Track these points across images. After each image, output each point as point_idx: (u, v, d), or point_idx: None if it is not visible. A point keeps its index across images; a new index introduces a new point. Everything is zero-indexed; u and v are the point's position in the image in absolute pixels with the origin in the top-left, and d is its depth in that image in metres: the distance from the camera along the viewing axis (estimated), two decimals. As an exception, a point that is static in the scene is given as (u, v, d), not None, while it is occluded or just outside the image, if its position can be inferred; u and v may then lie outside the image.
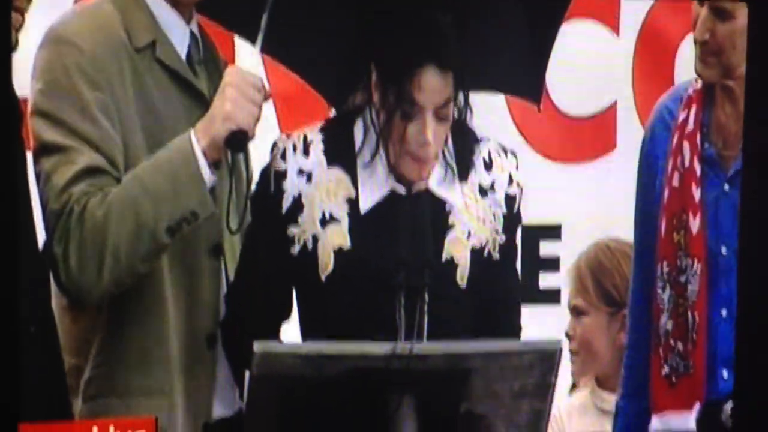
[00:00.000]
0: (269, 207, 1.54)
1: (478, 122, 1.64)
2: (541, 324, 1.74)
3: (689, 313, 1.74)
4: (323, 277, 1.55)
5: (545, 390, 1.76)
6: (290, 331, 1.62)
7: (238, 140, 1.49)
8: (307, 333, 1.61)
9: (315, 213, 1.54)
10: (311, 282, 1.56)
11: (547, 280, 1.75)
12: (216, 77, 1.56)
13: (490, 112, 1.72)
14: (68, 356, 1.48)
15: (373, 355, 1.65)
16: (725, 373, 1.75)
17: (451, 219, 1.61)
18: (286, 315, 1.58)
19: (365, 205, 1.56)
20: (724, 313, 1.75)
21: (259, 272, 1.57)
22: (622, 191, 1.79)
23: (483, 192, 1.62)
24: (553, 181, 1.76)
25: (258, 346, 1.60)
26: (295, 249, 1.54)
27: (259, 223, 1.56)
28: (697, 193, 1.74)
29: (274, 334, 1.58)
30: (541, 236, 1.75)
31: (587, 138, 1.79)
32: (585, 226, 1.77)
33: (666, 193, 1.74)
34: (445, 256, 1.60)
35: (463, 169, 1.62)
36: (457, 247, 1.60)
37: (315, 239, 1.55)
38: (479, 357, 1.72)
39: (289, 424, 1.63)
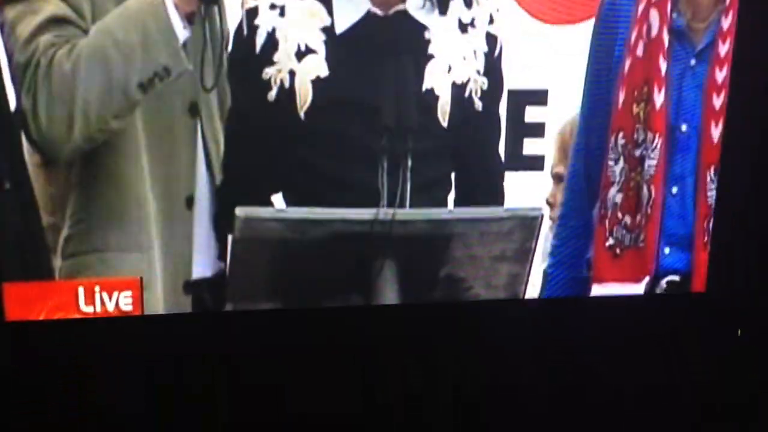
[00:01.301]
0: (245, 51, 1.48)
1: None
2: (523, 190, 1.72)
3: (644, 188, 1.73)
4: (302, 114, 1.52)
5: (524, 255, 1.78)
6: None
7: None
8: (290, 187, 1.58)
9: (290, 47, 1.49)
10: (291, 121, 1.52)
11: (531, 146, 1.71)
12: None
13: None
14: (45, 214, 1.46)
15: (356, 220, 1.66)
16: (667, 249, 1.77)
17: (431, 48, 1.57)
18: (272, 184, 1.56)
19: (341, 27, 1.51)
20: (674, 190, 1.74)
21: (244, 134, 1.53)
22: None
23: (463, 27, 1.58)
24: (542, 43, 1.67)
25: (240, 211, 1.59)
26: (273, 92, 1.50)
27: (238, 77, 1.50)
28: (663, 65, 1.67)
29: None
30: (527, 101, 1.69)
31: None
32: (572, 93, 1.71)
33: (628, 62, 1.67)
34: (425, 86, 1.57)
35: (443, 2, 1.56)
36: (438, 79, 1.57)
37: (292, 74, 1.50)
38: (460, 223, 1.72)
39: (272, 286, 1.64)
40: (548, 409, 1.81)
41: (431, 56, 1.58)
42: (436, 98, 1.59)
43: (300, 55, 1.51)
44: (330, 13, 1.52)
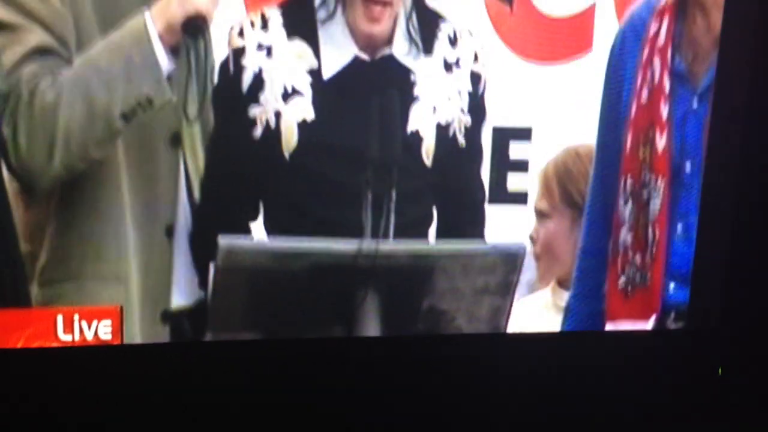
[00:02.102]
0: (231, 88, 1.48)
1: (450, 16, 1.58)
2: (507, 225, 1.72)
3: (650, 228, 1.74)
4: (287, 155, 1.52)
5: (507, 289, 1.77)
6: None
7: (196, 24, 1.42)
8: (272, 222, 1.57)
9: (276, 88, 1.49)
10: (275, 161, 1.51)
11: (515, 182, 1.72)
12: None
13: (465, 6, 1.64)
14: (23, 242, 1.44)
15: (339, 252, 1.65)
16: (672, 286, 1.77)
17: (416, 91, 1.57)
18: (254, 215, 1.56)
19: (328, 72, 1.51)
20: (679, 228, 1.76)
21: (226, 166, 1.52)
22: (596, 95, 1.73)
23: (448, 67, 1.59)
24: (527, 81, 1.69)
25: (223, 241, 1.58)
26: (258, 131, 1.49)
27: (222, 111, 1.49)
28: (665, 110, 1.69)
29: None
30: (511, 137, 1.70)
31: (563, 38, 1.71)
32: (556, 130, 1.72)
33: (634, 107, 1.69)
34: (410, 128, 1.57)
35: (428, 43, 1.57)
36: (423, 121, 1.57)
37: (277, 115, 1.50)
38: (443, 256, 1.72)
39: (253, 316, 1.63)
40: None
41: (416, 98, 1.58)
42: (421, 140, 1.59)
43: (286, 96, 1.51)
44: (317, 55, 1.52)
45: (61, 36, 1.40)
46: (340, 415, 1.68)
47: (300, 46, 1.51)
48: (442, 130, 1.60)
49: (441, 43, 1.59)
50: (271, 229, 1.57)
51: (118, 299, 1.51)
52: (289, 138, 1.51)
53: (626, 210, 1.72)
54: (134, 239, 1.49)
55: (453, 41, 1.60)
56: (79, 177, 1.46)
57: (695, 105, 1.71)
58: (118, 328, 1.52)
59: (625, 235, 1.73)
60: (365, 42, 1.55)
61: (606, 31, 1.70)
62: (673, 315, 1.79)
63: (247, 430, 1.65)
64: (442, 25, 1.60)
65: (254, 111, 1.50)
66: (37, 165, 1.42)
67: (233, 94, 1.49)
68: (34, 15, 1.38)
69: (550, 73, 1.69)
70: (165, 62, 1.43)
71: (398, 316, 1.67)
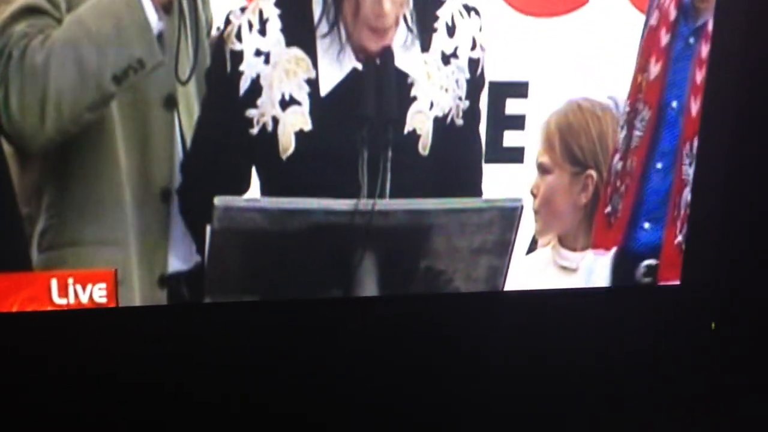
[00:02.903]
0: (226, 88, 1.46)
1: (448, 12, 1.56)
2: (503, 182, 1.69)
3: (629, 158, 1.71)
4: (284, 158, 1.50)
5: (504, 247, 1.75)
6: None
7: None
8: (268, 185, 1.54)
9: (274, 95, 1.47)
10: (272, 161, 1.50)
11: (511, 139, 1.68)
12: None
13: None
14: (21, 204, 1.41)
15: (335, 210, 1.62)
16: (647, 224, 1.75)
17: (414, 91, 1.56)
18: (245, 187, 1.53)
19: (326, 87, 1.50)
20: (659, 165, 1.73)
21: (217, 147, 1.50)
22: (593, 48, 1.69)
23: (446, 60, 1.57)
24: (523, 36, 1.65)
25: (218, 200, 1.55)
26: (255, 130, 1.48)
27: (216, 102, 1.47)
28: (665, 39, 1.64)
29: None
30: (508, 94, 1.67)
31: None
32: (553, 84, 1.68)
33: (645, 29, 1.66)
34: (407, 128, 1.57)
35: (426, 36, 1.56)
36: (420, 119, 1.57)
37: (275, 121, 1.48)
38: (440, 213, 1.69)
39: (251, 277, 1.61)
40: (523, 401, 1.80)
41: (414, 98, 1.57)
42: (417, 137, 1.58)
43: (284, 104, 1.49)
44: (315, 66, 1.49)
45: None
46: (340, 374, 1.67)
47: (298, 54, 1.48)
48: (439, 122, 1.59)
49: (439, 35, 1.57)
50: (267, 192, 1.55)
51: (116, 263, 1.49)
52: (287, 145, 1.50)
53: (620, 136, 1.69)
54: (130, 203, 1.47)
55: (451, 30, 1.58)
56: (74, 140, 1.42)
57: (691, 40, 1.67)
58: (113, 291, 1.50)
59: (617, 162, 1.70)
60: (366, 55, 1.52)
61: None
62: (644, 267, 1.77)
63: (247, 392, 1.64)
64: (439, 11, 1.56)
65: (252, 112, 1.48)
66: (29, 127, 1.39)
67: (230, 95, 1.47)
68: None
69: (548, 27, 1.65)
70: (156, 22, 1.39)
71: (396, 276, 1.66)
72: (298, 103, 1.49)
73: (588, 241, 1.76)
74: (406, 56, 1.55)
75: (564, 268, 1.76)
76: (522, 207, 1.68)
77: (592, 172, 1.73)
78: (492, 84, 1.64)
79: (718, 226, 1.79)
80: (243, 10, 1.46)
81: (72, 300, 1.49)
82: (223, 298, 1.57)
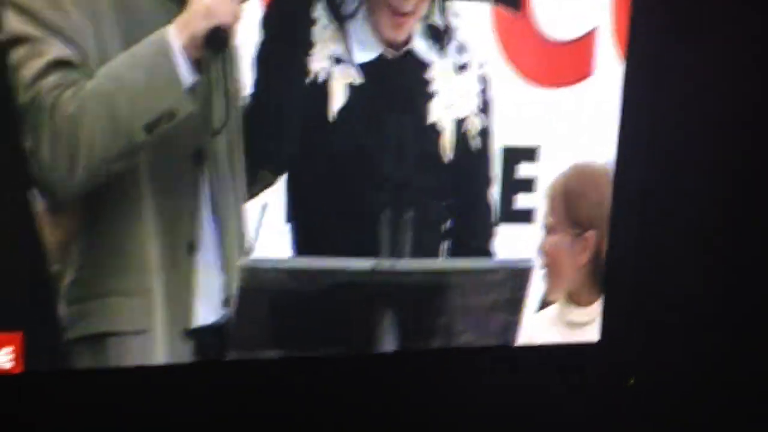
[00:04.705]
0: (284, 36, 1.49)
1: (459, 30, 1.63)
2: (514, 242, 1.74)
3: None
4: (332, 115, 1.53)
5: (516, 304, 1.79)
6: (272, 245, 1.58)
7: (219, 38, 1.37)
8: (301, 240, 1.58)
9: (325, 50, 1.51)
10: (319, 119, 1.53)
11: (521, 201, 1.75)
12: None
13: (475, 26, 1.68)
14: (51, 262, 1.39)
15: (357, 270, 1.64)
16: None
17: (434, 87, 1.61)
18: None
19: (359, 60, 1.56)
20: None
21: (271, 100, 1.50)
22: (599, 117, 1.78)
23: (459, 69, 1.63)
24: (533, 104, 1.73)
25: (244, 261, 1.56)
26: (307, 80, 1.50)
27: (271, 48, 1.48)
28: None
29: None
30: (519, 158, 1.74)
31: (566, 63, 1.75)
32: (558, 149, 1.76)
33: None
34: (429, 120, 1.60)
35: (440, 47, 1.62)
36: (440, 114, 1.61)
37: (327, 73, 1.52)
38: (456, 273, 1.73)
39: (275, 333, 1.60)
40: None
41: (434, 93, 1.61)
42: (439, 132, 1.61)
43: (334, 60, 1.53)
44: (347, 45, 1.55)
45: (82, 49, 1.35)
46: (360, 429, 1.67)
47: (335, 32, 1.53)
48: (459, 126, 1.63)
49: (451, 50, 1.64)
50: (297, 247, 1.58)
51: (142, 316, 1.44)
52: (336, 96, 1.52)
53: None
54: (156, 255, 1.43)
55: (462, 48, 1.65)
56: (103, 193, 1.40)
57: None
58: (21, 355, 1.42)
59: None
60: (388, 44, 1.58)
61: (606, 57, 1.76)
62: None
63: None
64: (451, 34, 1.64)
65: (305, 62, 1.51)
66: (60, 178, 1.35)
67: (285, 43, 1.50)
68: (53, 27, 1.33)
69: (554, 96, 1.73)
70: (187, 76, 1.38)
71: (413, 333, 1.68)
72: (346, 63, 1.54)
73: (594, 296, 1.82)
74: (427, 55, 1.61)
75: (573, 323, 1.81)
76: (532, 267, 1.73)
77: (592, 233, 1.80)
78: (504, 149, 1.70)
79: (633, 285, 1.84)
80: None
81: None
82: (247, 354, 1.56)
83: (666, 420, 1.87)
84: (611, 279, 1.78)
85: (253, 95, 1.51)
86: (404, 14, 1.57)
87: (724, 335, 1.89)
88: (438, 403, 1.74)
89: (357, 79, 1.54)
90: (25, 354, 1.41)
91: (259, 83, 1.51)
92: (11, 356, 1.41)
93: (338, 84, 1.55)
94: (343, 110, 1.55)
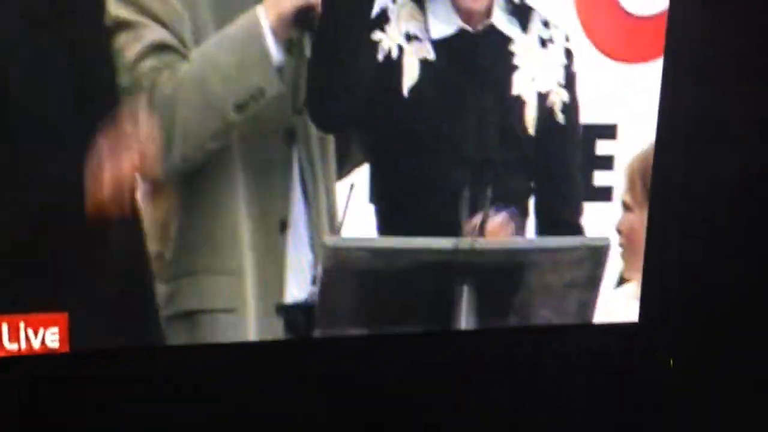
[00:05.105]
0: (355, 11, 1.48)
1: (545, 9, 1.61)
2: (593, 220, 1.73)
3: None
4: (406, 90, 1.53)
5: (594, 282, 1.78)
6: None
7: (307, 16, 1.41)
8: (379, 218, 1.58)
9: (400, 27, 1.51)
10: (394, 96, 1.52)
11: (600, 178, 1.73)
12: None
13: (556, 3, 1.65)
14: (152, 242, 1.43)
15: (438, 249, 1.64)
16: None
17: (516, 60, 1.60)
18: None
19: (436, 35, 1.55)
20: None
21: (344, 74, 1.50)
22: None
23: (543, 43, 1.62)
24: (612, 80, 1.70)
25: (329, 240, 1.57)
26: (380, 56, 1.50)
27: (344, 24, 1.48)
28: None
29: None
30: (597, 135, 1.72)
31: (647, 38, 1.72)
32: (637, 127, 1.73)
33: None
34: (512, 92, 1.60)
35: (524, 23, 1.61)
36: (524, 87, 1.60)
37: (400, 49, 1.51)
38: (534, 252, 1.72)
39: (358, 311, 1.61)
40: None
41: (516, 67, 1.60)
42: (524, 104, 1.60)
43: (408, 38, 1.53)
44: (425, 21, 1.54)
45: (178, 33, 1.40)
46: (440, 403, 1.69)
47: (413, 8, 1.53)
48: (542, 100, 1.62)
49: (535, 25, 1.62)
50: (380, 226, 1.58)
51: (234, 294, 1.47)
52: (411, 73, 1.52)
53: None
54: (248, 233, 1.46)
55: (546, 24, 1.63)
56: (198, 173, 1.43)
57: None
58: (66, 336, 1.44)
59: None
60: (467, 16, 1.56)
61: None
62: None
63: (351, 419, 1.65)
64: (534, 11, 1.62)
65: (379, 35, 1.51)
66: (157, 156, 1.40)
67: (361, 15, 1.49)
68: (153, 13, 1.38)
69: (634, 72, 1.71)
70: (276, 54, 1.41)
71: (492, 310, 1.68)
72: (420, 40, 1.53)
73: (672, 276, 1.81)
74: (508, 27, 1.60)
75: None
76: (609, 245, 1.72)
77: (669, 211, 1.78)
78: (583, 126, 1.69)
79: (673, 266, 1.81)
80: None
81: (23, 345, 1.42)
82: (332, 332, 1.58)
83: (706, 401, 1.86)
84: (650, 259, 1.76)
85: (326, 71, 1.51)
86: None
87: (766, 319, 1.87)
88: (512, 379, 1.75)
89: (431, 54, 1.54)
90: (71, 334, 1.43)
91: (330, 59, 1.50)
92: (57, 336, 1.43)
93: (412, 60, 1.54)
94: (418, 86, 1.55)
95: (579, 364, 1.79)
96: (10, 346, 1.42)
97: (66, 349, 1.44)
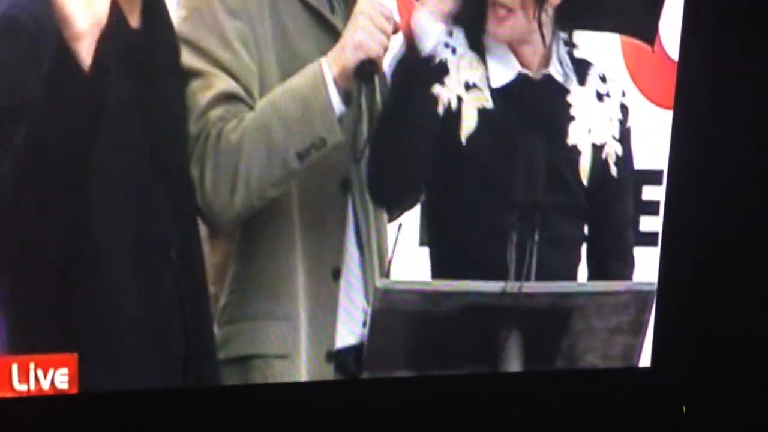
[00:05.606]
0: (416, 68, 1.52)
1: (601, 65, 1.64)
2: (638, 265, 1.74)
3: None
4: (464, 139, 1.55)
5: (639, 327, 1.79)
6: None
7: (368, 70, 1.44)
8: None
9: (460, 77, 1.54)
10: (452, 144, 1.55)
11: (646, 224, 1.74)
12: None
13: (605, 54, 1.67)
14: (210, 284, 1.46)
15: (486, 292, 1.66)
16: None
17: (573, 111, 1.62)
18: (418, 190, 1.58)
19: (496, 83, 1.57)
20: None
21: (403, 134, 1.53)
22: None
23: (599, 97, 1.64)
24: (658, 126, 1.72)
25: (380, 283, 1.58)
26: (440, 109, 1.53)
27: (404, 84, 1.52)
28: None
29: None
30: (644, 181, 1.73)
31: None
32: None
33: None
34: (569, 142, 1.61)
35: (581, 77, 1.63)
36: (579, 138, 1.62)
37: (459, 99, 1.54)
38: (581, 296, 1.73)
39: (406, 353, 1.62)
40: None
41: (573, 118, 1.62)
42: (579, 153, 1.62)
43: (468, 87, 1.55)
44: (485, 67, 1.57)
45: (246, 83, 1.43)
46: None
47: (473, 57, 1.56)
48: (597, 152, 1.63)
49: (592, 79, 1.64)
50: (431, 269, 1.60)
51: (287, 340, 1.49)
52: (469, 122, 1.55)
53: None
54: (303, 280, 1.49)
55: (603, 78, 1.65)
56: (257, 219, 1.46)
57: None
58: (75, 376, 1.42)
59: None
60: (522, 59, 1.59)
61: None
62: None
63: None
64: (591, 66, 1.65)
65: (438, 89, 1.54)
66: (220, 204, 1.43)
67: (420, 72, 1.53)
68: (224, 65, 1.42)
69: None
70: (338, 105, 1.44)
71: (538, 354, 1.69)
72: (480, 89, 1.56)
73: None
74: (566, 79, 1.62)
75: None
76: (655, 290, 1.73)
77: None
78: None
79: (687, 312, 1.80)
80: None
81: (33, 386, 1.41)
82: (380, 373, 1.60)
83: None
84: (662, 303, 1.75)
85: (386, 120, 1.54)
86: (503, 6, 1.55)
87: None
88: (560, 421, 1.75)
89: (489, 102, 1.56)
90: (80, 375, 1.43)
91: (392, 110, 1.54)
92: (66, 377, 1.43)
93: (472, 109, 1.56)
94: (476, 134, 1.57)
95: (592, 408, 1.79)
96: (20, 387, 1.41)
97: (75, 390, 1.43)
